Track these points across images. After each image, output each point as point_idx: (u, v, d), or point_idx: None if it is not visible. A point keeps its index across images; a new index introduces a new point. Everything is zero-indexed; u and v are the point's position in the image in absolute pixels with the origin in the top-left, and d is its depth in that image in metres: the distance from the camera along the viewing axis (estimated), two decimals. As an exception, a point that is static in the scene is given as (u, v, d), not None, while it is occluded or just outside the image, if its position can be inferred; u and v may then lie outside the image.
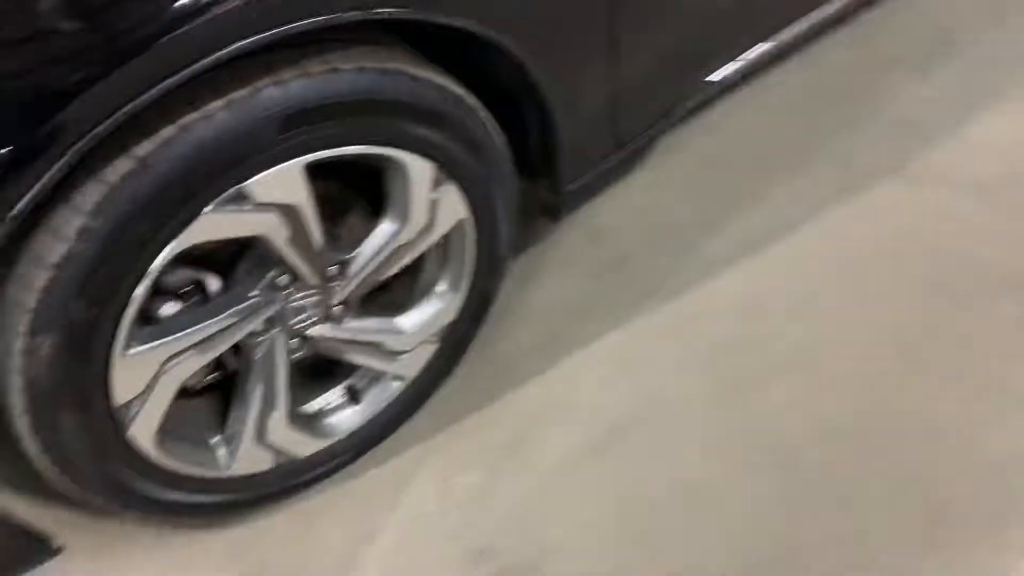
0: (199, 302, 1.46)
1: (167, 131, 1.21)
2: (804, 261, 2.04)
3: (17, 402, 1.31)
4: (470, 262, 1.72)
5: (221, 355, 1.58)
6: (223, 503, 1.66)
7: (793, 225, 2.10)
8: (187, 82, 1.14)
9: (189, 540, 1.69)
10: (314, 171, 1.52)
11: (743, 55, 2.06)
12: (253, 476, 1.66)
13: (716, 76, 2.03)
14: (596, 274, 2.06)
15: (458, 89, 1.49)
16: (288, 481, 1.72)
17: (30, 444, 1.36)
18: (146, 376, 1.39)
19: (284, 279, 1.49)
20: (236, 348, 1.57)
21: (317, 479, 1.77)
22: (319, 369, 1.81)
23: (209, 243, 1.46)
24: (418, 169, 1.49)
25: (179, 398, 1.60)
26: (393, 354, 1.72)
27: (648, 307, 1.98)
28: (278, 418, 1.62)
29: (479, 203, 1.62)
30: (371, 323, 1.67)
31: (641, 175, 2.18)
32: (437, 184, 1.53)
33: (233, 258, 1.51)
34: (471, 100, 1.51)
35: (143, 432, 1.44)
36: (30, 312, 1.24)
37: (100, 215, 1.20)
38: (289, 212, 1.38)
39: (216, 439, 1.62)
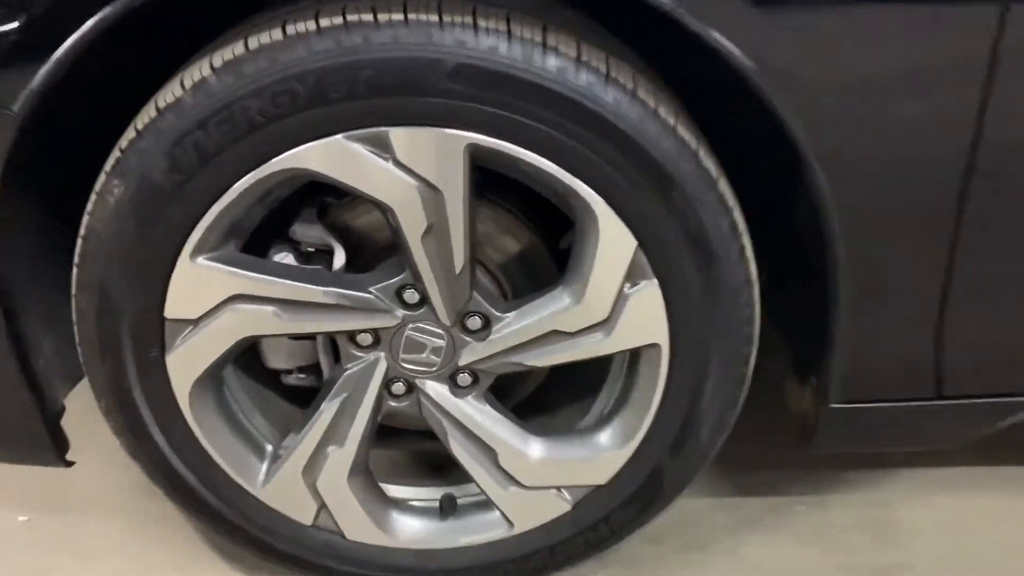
0: (315, 267, 1.24)
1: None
2: None
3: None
4: (650, 419, 1.28)
5: (319, 362, 1.34)
6: (234, 525, 1.36)
7: None
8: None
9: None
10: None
11: None
12: (278, 516, 1.34)
13: None
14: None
15: (706, 158, 1.13)
16: (299, 551, 1.37)
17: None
18: (208, 299, 1.18)
19: (413, 295, 1.21)
20: (336, 355, 1.31)
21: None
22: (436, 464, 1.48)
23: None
24: (613, 235, 1.14)
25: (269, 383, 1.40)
26: (506, 478, 1.32)
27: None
28: (337, 461, 1.30)
29: (684, 332, 1.20)
30: (495, 417, 1.30)
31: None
32: (634, 274, 1.16)
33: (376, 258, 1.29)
34: (714, 175, 1.13)
35: (180, 372, 1.22)
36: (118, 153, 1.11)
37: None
38: (433, 197, 1.11)
39: (270, 449, 1.34)
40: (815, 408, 1.32)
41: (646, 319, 1.19)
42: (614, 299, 1.18)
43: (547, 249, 1.32)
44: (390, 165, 1.10)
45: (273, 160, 1.09)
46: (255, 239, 1.23)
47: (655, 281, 1.17)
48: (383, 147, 1.09)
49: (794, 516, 1.58)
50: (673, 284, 1.17)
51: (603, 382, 1.35)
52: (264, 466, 1.33)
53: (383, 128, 1.07)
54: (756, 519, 1.57)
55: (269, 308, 1.19)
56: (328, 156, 1.09)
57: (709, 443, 1.30)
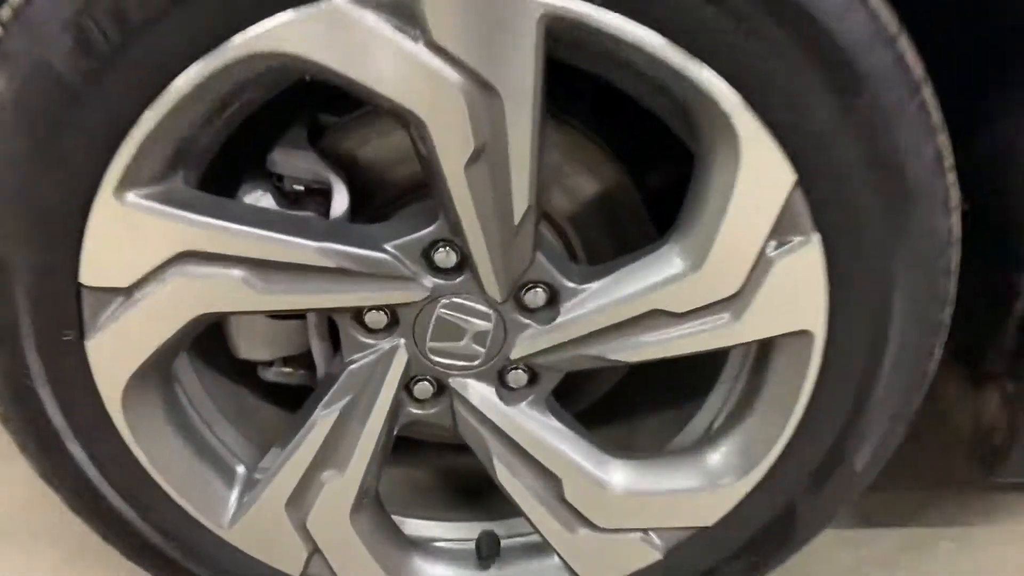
0: (305, 214, 0.85)
1: None
2: None
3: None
4: (785, 437, 0.89)
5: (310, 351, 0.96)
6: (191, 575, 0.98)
7: None
8: None
9: None
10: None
11: None
12: (252, 563, 0.97)
13: None
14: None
15: (908, 48, 0.73)
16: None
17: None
18: (145, 257, 0.79)
19: (449, 256, 0.82)
20: (335, 341, 0.92)
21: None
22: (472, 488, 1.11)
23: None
24: (759, 163, 0.75)
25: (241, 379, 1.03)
26: (574, 516, 0.94)
27: None
28: (336, 489, 0.92)
29: (851, 314, 0.82)
30: (561, 432, 0.92)
31: None
32: (784, 226, 0.77)
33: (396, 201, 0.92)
34: (918, 75, 0.74)
35: (107, 363, 0.84)
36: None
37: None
38: (487, 101, 0.72)
39: (242, 471, 0.96)
40: (1009, 423, 0.94)
41: (796, 295, 0.81)
42: (752, 264, 0.79)
43: (638, 191, 0.93)
44: (420, 48, 0.70)
45: (235, 39, 0.70)
46: (217, 170, 0.84)
47: (816, 237, 0.78)
48: (408, 18, 0.70)
49: (937, 555, 1.22)
50: (843, 242, 0.78)
51: (712, 381, 0.97)
52: (233, 495, 0.96)
53: (412, -13, 0.69)
54: (889, 558, 1.22)
55: (237, 272, 0.81)
56: (320, 32, 0.70)
57: (866, 471, 0.92)
